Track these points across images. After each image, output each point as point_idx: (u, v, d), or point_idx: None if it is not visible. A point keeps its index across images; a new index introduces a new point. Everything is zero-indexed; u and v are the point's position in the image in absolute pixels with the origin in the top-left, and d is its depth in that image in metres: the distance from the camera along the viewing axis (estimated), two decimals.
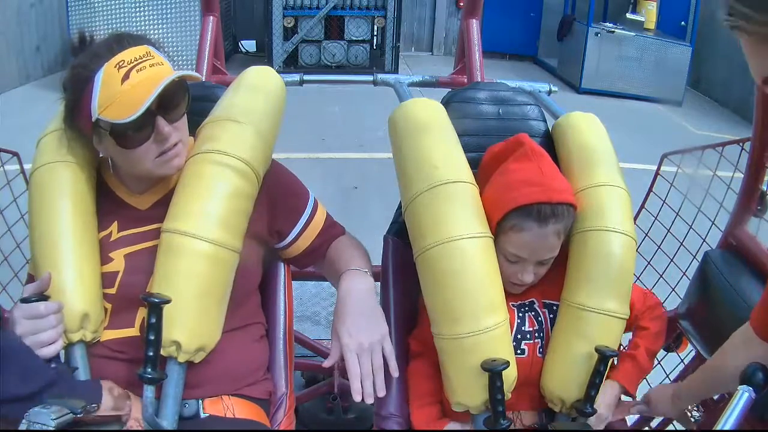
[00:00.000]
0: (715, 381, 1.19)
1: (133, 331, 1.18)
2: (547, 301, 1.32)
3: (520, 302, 1.31)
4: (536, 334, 1.29)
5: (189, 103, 1.21)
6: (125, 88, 1.10)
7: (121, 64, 1.11)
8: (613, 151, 1.40)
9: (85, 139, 1.21)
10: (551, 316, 1.30)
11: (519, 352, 1.27)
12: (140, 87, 1.10)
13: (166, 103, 1.14)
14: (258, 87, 1.32)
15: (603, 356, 1.21)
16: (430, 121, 1.36)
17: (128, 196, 1.27)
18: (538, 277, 1.28)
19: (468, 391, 1.20)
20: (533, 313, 1.31)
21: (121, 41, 1.14)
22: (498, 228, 1.24)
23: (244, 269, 1.24)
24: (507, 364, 1.16)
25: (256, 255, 1.31)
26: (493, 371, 1.14)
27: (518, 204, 1.21)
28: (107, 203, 1.25)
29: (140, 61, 1.12)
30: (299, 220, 1.36)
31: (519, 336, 1.28)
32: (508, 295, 1.27)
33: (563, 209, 1.22)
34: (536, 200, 1.20)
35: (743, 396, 0.90)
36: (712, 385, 1.23)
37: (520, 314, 1.30)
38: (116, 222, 1.24)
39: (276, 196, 1.33)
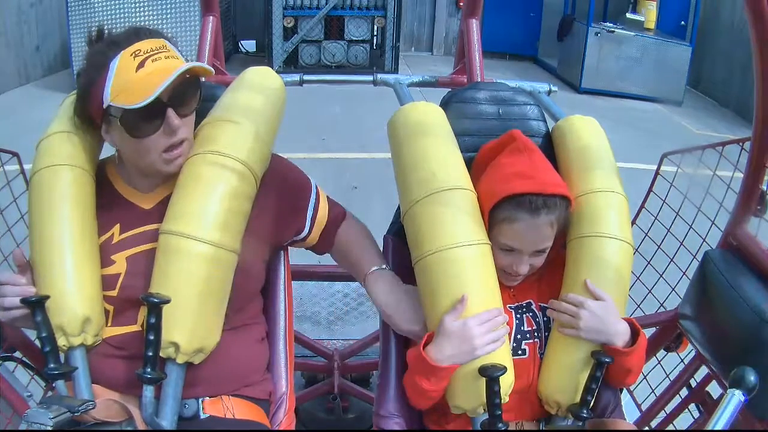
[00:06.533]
0: None
1: (135, 327, 1.17)
2: (543, 305, 1.32)
3: (517, 304, 1.31)
4: (535, 334, 1.29)
5: (200, 100, 1.21)
6: (139, 75, 1.11)
7: (137, 53, 1.12)
8: (612, 157, 1.40)
9: (92, 130, 1.22)
10: (545, 318, 1.30)
11: (520, 352, 1.27)
12: (154, 75, 1.10)
13: (178, 95, 1.15)
14: (257, 87, 1.32)
15: (599, 362, 1.21)
16: (429, 125, 1.36)
17: (132, 195, 1.26)
18: (534, 269, 1.28)
19: (466, 395, 1.20)
20: (531, 314, 1.31)
21: (139, 33, 1.15)
22: (491, 219, 1.24)
23: (246, 271, 1.24)
24: (504, 369, 1.16)
25: (260, 257, 1.30)
26: (490, 377, 1.14)
27: (509, 193, 1.21)
28: (110, 204, 1.25)
29: (156, 52, 1.13)
30: (307, 212, 1.36)
31: (519, 336, 1.28)
32: (506, 297, 1.27)
33: (555, 200, 1.22)
34: (528, 191, 1.20)
35: (733, 398, 0.90)
36: None
37: (518, 315, 1.30)
38: (118, 224, 1.23)
39: (282, 192, 1.32)
